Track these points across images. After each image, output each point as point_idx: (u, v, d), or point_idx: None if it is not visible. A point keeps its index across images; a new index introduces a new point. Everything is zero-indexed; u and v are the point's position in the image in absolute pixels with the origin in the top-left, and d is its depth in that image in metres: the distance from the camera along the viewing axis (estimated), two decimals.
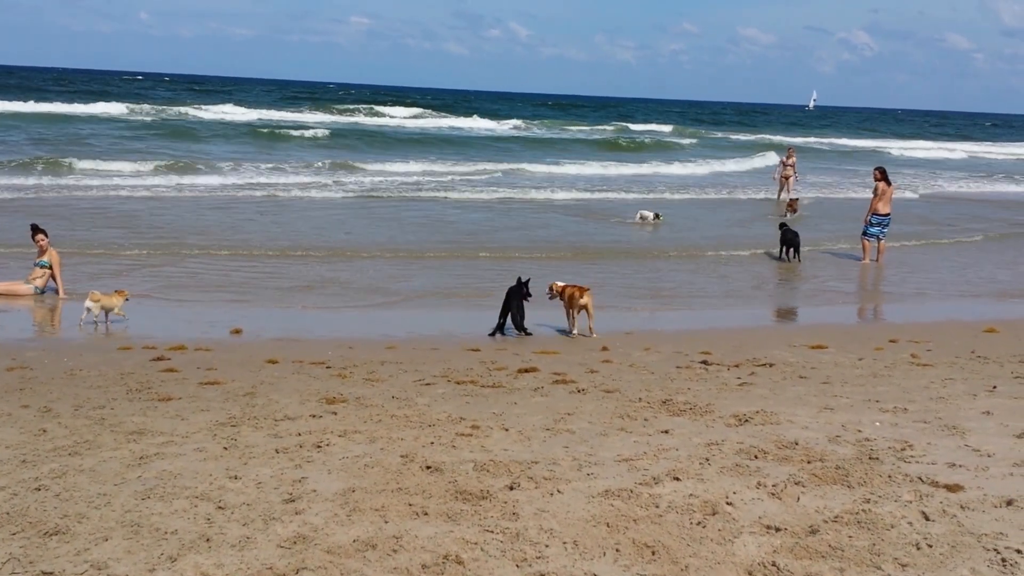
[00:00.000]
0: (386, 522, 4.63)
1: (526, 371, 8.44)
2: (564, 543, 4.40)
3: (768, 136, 63.54)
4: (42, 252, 12.24)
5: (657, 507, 4.85)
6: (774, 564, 4.16)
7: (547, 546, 4.37)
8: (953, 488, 5.08)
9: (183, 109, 55.16)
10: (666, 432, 6.34)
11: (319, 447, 5.91)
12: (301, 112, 63.03)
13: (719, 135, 63.12)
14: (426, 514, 4.73)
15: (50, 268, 12.17)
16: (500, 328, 10.57)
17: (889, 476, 5.31)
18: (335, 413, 6.82)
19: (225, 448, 5.89)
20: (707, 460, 5.64)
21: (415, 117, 64.94)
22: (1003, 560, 4.17)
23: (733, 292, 13.95)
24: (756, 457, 5.71)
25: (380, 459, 5.65)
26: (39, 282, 12.16)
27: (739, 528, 4.58)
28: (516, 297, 10.52)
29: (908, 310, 13.25)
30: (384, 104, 77.40)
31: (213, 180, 25.39)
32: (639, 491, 5.07)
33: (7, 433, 6.18)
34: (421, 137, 45.51)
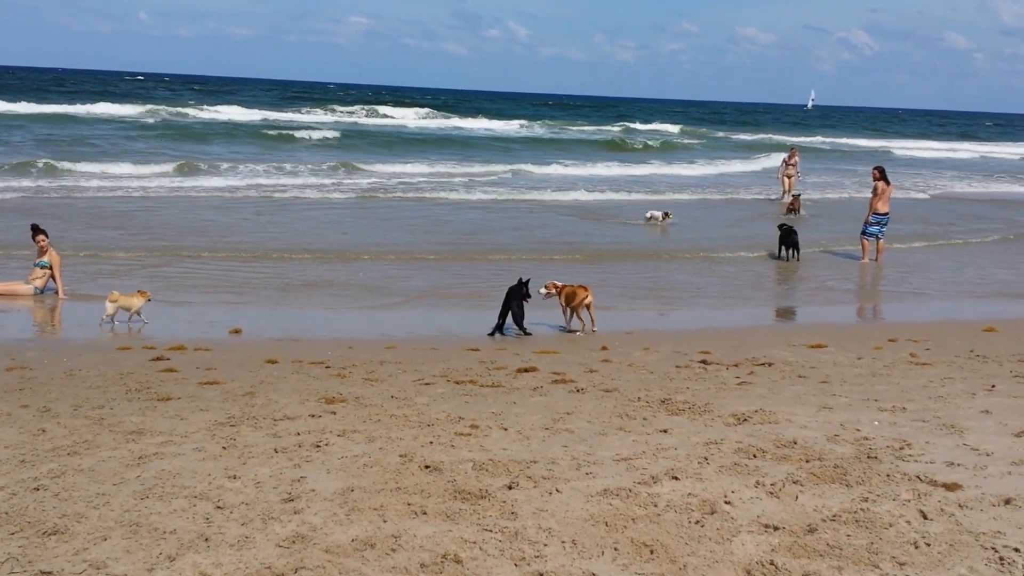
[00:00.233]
0: (385, 521, 4.64)
1: (525, 371, 8.45)
2: (563, 542, 4.41)
3: (771, 136, 63.55)
4: (42, 252, 12.24)
5: (656, 506, 4.86)
6: (772, 563, 4.16)
7: (546, 545, 4.37)
8: (951, 487, 5.09)
9: (183, 109, 55.17)
10: (665, 431, 6.35)
11: (318, 447, 5.91)
12: (301, 112, 63.08)
13: (720, 135, 63.09)
14: (425, 513, 4.74)
15: (50, 268, 12.17)
16: (499, 328, 10.59)
17: (887, 475, 5.31)
18: (334, 413, 6.83)
19: (224, 448, 5.89)
20: (706, 459, 5.65)
21: (422, 118, 64.90)
22: (1001, 559, 4.18)
23: (732, 292, 13.94)
24: (755, 456, 5.72)
25: (379, 459, 5.66)
26: (39, 282, 12.16)
27: (737, 527, 4.58)
28: (516, 297, 10.54)
29: (907, 309, 13.25)
30: (384, 104, 77.44)
31: (213, 180, 25.37)
32: (638, 490, 5.07)
33: (6, 433, 6.18)
34: (424, 137, 45.51)
